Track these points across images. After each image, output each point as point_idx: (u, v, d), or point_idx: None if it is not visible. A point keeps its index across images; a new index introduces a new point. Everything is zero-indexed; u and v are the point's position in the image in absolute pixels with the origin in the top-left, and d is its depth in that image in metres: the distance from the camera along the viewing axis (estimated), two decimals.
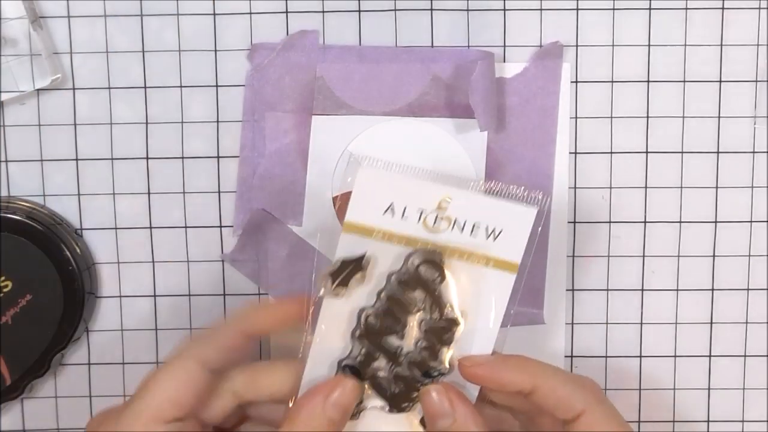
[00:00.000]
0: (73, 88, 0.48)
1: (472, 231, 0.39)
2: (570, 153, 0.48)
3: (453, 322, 0.40)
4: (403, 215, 0.39)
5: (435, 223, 0.39)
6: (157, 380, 0.38)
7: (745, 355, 0.49)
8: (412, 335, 0.40)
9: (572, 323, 0.49)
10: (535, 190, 0.39)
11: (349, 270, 0.39)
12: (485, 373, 0.39)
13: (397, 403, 0.40)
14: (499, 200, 0.40)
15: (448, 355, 0.40)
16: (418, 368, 0.40)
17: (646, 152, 0.48)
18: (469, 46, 0.48)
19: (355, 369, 0.39)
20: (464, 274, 0.40)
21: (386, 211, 0.39)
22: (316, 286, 0.40)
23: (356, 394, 0.39)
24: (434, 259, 0.39)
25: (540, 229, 0.39)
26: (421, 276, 0.39)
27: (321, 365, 0.40)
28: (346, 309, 0.40)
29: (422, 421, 0.40)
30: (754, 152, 0.48)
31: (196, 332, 0.41)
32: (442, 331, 0.39)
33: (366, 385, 0.40)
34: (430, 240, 0.40)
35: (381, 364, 0.40)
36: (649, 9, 0.47)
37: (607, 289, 0.49)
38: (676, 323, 0.49)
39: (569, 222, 0.49)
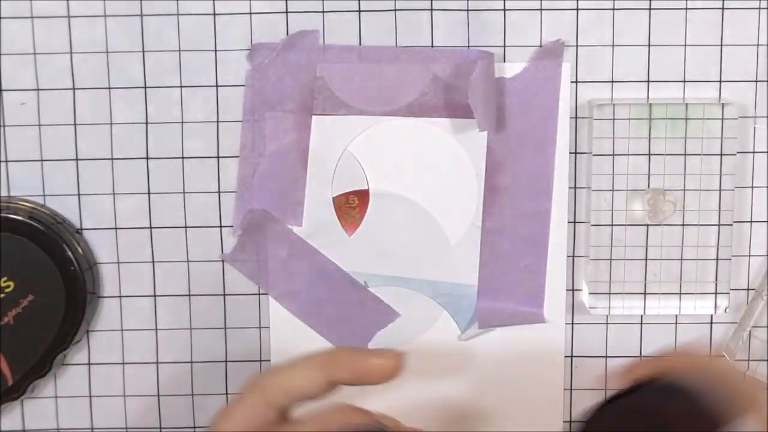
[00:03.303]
0: (73, 88, 0.48)
1: None
2: (570, 153, 0.48)
3: None
4: None
5: None
6: (228, 415, 0.37)
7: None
8: None
9: (572, 323, 0.49)
10: None
11: None
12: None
13: None
14: None
15: None
16: None
17: (649, 154, 0.48)
18: (469, 46, 0.48)
19: None
20: None
21: None
22: None
23: None
24: None
25: None
26: None
27: None
28: None
29: None
30: (754, 152, 0.48)
31: (275, 366, 0.39)
32: None
33: None
34: None
35: None
36: (649, 9, 0.47)
37: (609, 292, 0.49)
38: (676, 323, 0.49)
39: (569, 222, 0.49)
